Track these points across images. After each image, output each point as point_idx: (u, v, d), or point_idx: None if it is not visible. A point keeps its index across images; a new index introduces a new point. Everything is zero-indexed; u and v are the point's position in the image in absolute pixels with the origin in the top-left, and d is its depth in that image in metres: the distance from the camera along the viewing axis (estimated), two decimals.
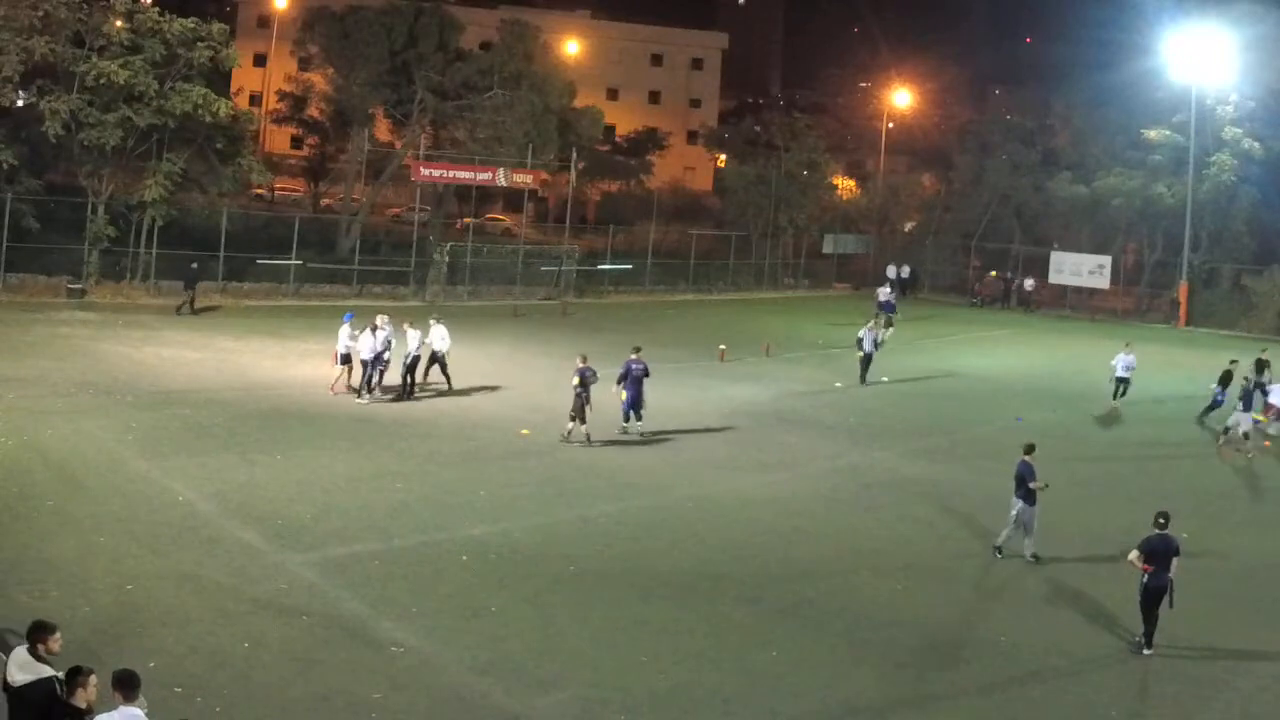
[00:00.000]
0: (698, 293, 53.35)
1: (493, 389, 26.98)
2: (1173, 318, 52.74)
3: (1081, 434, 27.10)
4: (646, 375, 23.32)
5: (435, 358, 26.04)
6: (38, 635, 8.89)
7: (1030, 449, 17.27)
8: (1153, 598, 13.98)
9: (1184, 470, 24.37)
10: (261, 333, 32.65)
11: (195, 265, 36.57)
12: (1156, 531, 14.18)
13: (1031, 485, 16.90)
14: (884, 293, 41.84)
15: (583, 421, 22.15)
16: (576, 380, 22.11)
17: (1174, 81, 52.31)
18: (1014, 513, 17.00)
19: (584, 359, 22.61)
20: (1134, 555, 14.13)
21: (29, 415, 20.94)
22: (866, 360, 31.34)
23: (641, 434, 23.30)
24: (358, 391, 24.98)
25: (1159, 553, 14.03)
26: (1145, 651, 14.00)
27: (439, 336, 25.91)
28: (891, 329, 38.66)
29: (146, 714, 8.47)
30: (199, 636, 12.40)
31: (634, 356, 23.43)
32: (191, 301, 35.38)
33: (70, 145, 36.12)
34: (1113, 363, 29.64)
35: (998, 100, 72.11)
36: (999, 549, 17.22)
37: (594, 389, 22.31)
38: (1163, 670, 13.70)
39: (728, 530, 17.78)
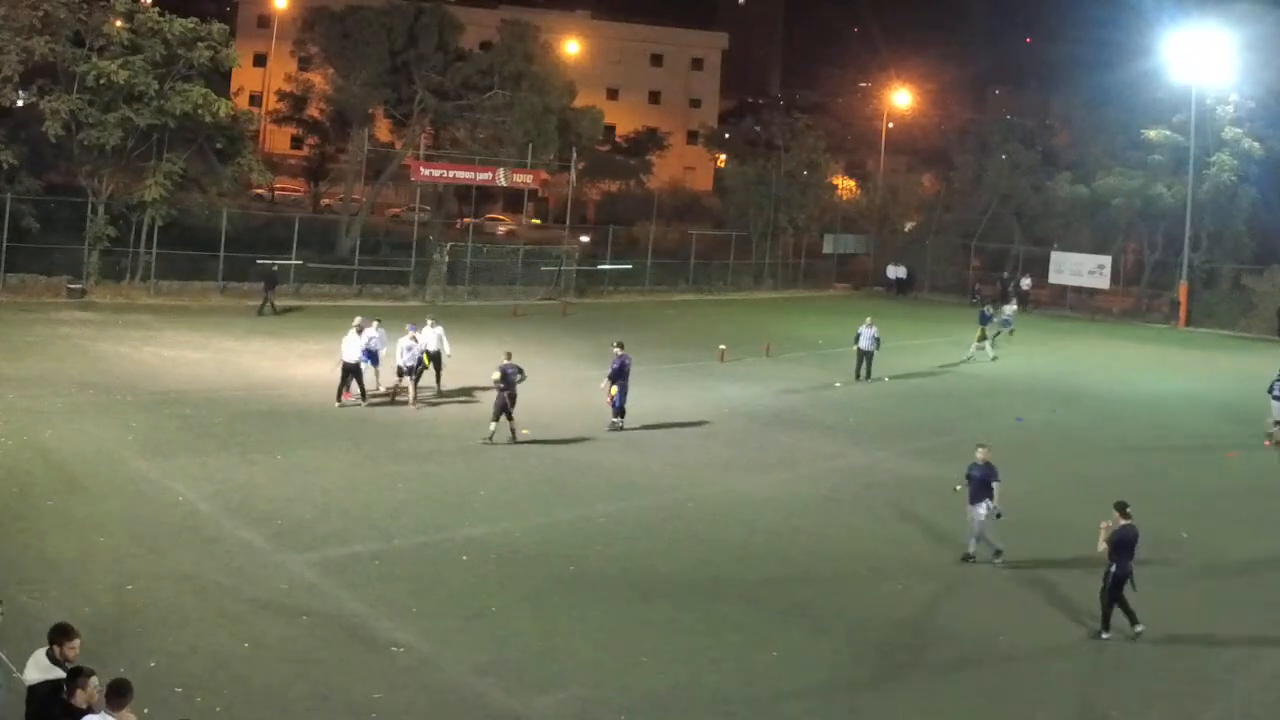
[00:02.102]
0: (698, 293, 53.38)
1: (493, 389, 26.90)
2: (1173, 318, 52.75)
3: (1082, 434, 27.10)
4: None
5: (433, 359, 25.94)
6: (57, 638, 8.98)
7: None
8: (1119, 585, 14.27)
9: (1185, 470, 24.37)
10: (261, 333, 32.67)
11: (276, 268, 37.41)
12: (1122, 521, 14.37)
13: (958, 488, 16.82)
14: (1008, 310, 40.34)
15: (509, 418, 21.79)
16: (497, 375, 21.85)
17: (1174, 81, 52.31)
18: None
19: (509, 356, 22.38)
20: (1102, 547, 14.42)
21: (29, 415, 20.94)
22: (862, 357, 31.51)
23: (615, 426, 23.55)
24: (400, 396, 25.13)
25: (1124, 543, 14.28)
26: (1105, 635, 14.28)
27: (436, 338, 25.85)
28: (989, 341, 37.21)
29: None
30: (199, 636, 12.39)
31: (623, 351, 23.53)
32: (272, 303, 36.28)
33: (70, 145, 36.15)
34: None
35: (997, 100, 72.29)
36: (996, 555, 16.91)
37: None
38: (1163, 670, 13.69)
39: (728, 530, 17.77)
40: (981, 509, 16.49)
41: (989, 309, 39.68)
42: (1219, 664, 14.01)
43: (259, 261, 39.32)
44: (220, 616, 12.99)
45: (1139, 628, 14.27)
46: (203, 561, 14.59)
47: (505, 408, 21.80)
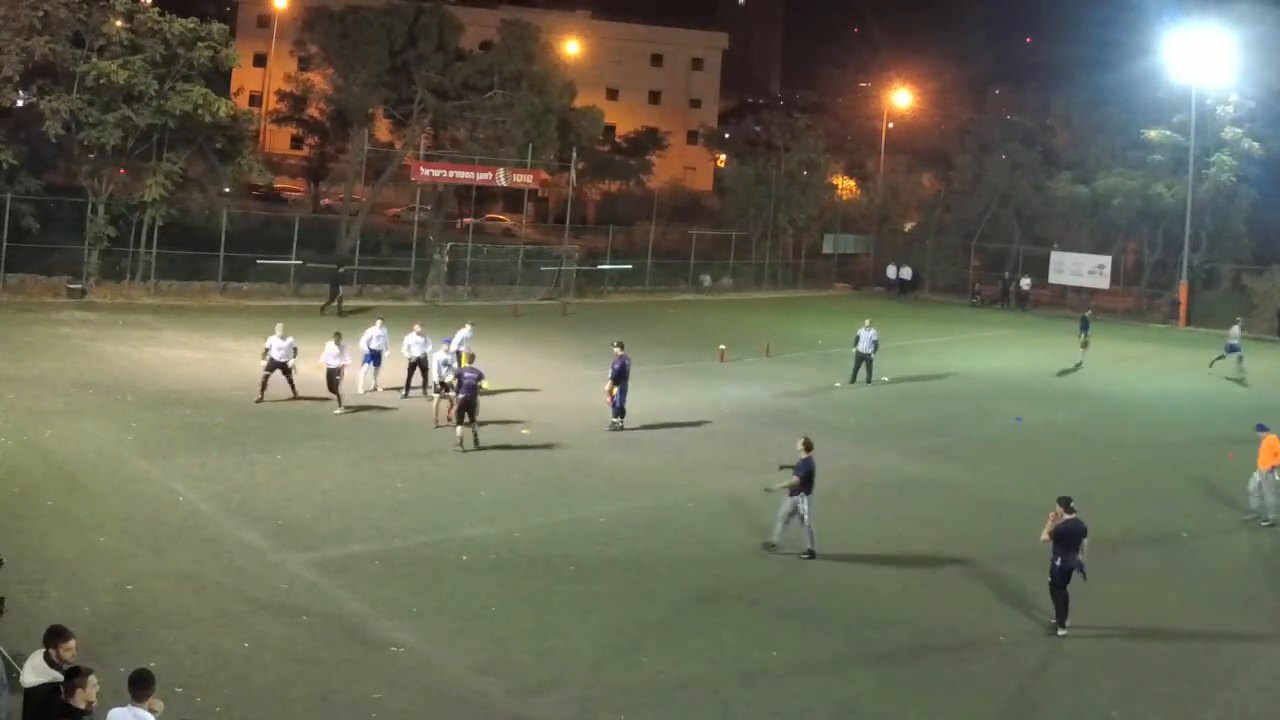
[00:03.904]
0: (698, 293, 53.38)
1: (493, 390, 26.91)
2: (1172, 318, 52.75)
3: (1081, 434, 27.09)
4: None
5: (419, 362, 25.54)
6: (52, 640, 9.00)
7: (810, 445, 16.75)
8: (1062, 578, 14.37)
9: (1185, 470, 24.34)
10: (262, 333, 32.40)
11: (342, 270, 38.14)
12: (1066, 516, 14.48)
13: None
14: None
15: (471, 424, 21.16)
16: (450, 376, 21.42)
17: (1174, 81, 52.31)
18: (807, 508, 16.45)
19: (471, 358, 21.72)
20: (1044, 538, 14.57)
21: (29, 415, 20.94)
22: (859, 360, 31.39)
23: (615, 426, 23.53)
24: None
25: (1068, 536, 14.39)
26: (1060, 632, 14.31)
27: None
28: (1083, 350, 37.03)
29: (157, 716, 8.56)
30: (199, 636, 12.39)
31: (623, 352, 23.50)
32: (339, 302, 36.70)
33: (70, 145, 36.15)
34: None
35: (998, 100, 72.07)
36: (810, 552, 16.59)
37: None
38: (1163, 670, 13.69)
39: (728, 530, 17.77)
40: (788, 502, 16.43)
41: (1088, 315, 39.41)
42: (1219, 664, 14.02)
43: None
44: (220, 616, 12.99)
45: (1062, 632, 14.32)
46: (203, 561, 14.59)
47: (463, 410, 21.12)
